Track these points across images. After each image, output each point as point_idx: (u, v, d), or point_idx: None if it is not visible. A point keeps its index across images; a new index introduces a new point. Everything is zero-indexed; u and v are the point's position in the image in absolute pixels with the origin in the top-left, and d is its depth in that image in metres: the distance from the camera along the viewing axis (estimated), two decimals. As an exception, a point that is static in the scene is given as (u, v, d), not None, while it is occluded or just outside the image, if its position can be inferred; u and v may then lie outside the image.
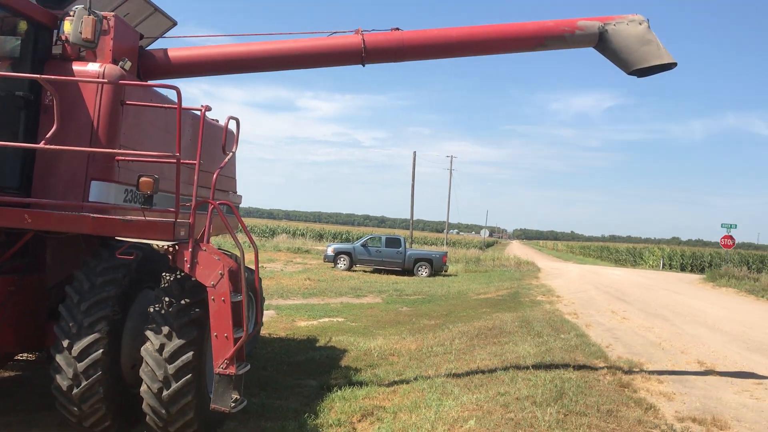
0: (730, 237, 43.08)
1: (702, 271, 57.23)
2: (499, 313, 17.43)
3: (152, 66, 7.74)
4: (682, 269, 62.40)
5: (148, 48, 8.24)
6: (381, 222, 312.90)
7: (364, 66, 8.45)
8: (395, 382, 9.04)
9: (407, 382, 9.00)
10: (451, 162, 72.62)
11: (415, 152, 56.78)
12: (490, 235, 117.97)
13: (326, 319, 15.16)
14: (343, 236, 70.62)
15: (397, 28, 8.37)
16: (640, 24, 8.38)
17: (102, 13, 6.55)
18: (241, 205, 10.75)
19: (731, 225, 43.27)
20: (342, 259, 34.10)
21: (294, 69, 8.68)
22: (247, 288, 6.55)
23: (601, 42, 8.47)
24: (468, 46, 8.57)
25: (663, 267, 63.21)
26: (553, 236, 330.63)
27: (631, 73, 8.59)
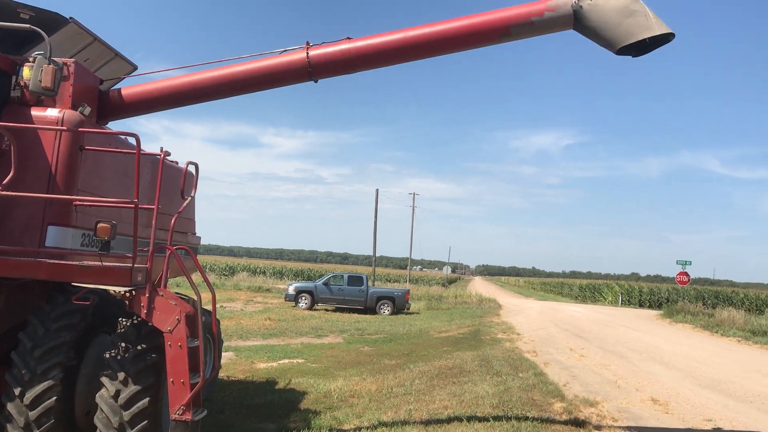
0: (686, 273, 44.06)
1: (659, 306, 58.31)
2: (459, 351, 17.53)
3: (109, 107, 7.76)
4: (640, 305, 63.47)
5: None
6: (344, 259, 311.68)
7: (316, 82, 8.13)
8: (354, 427, 9.03)
9: (366, 427, 9.00)
10: (414, 199, 73.14)
11: (377, 189, 57.05)
12: (453, 271, 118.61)
13: (286, 361, 15.05)
14: (305, 274, 70.23)
15: (348, 38, 7.93)
16: None
17: (62, 59, 6.61)
18: (201, 243, 10.73)
19: (686, 261, 44.30)
20: (303, 298, 33.88)
21: (247, 92, 8.39)
22: (205, 331, 6.56)
23: (578, 21, 7.39)
24: (424, 47, 7.89)
25: (621, 303, 64.18)
26: (515, 272, 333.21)
27: (620, 52, 7.41)
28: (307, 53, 7.84)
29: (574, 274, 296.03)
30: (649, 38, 7.16)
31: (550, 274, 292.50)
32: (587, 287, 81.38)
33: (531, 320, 31.32)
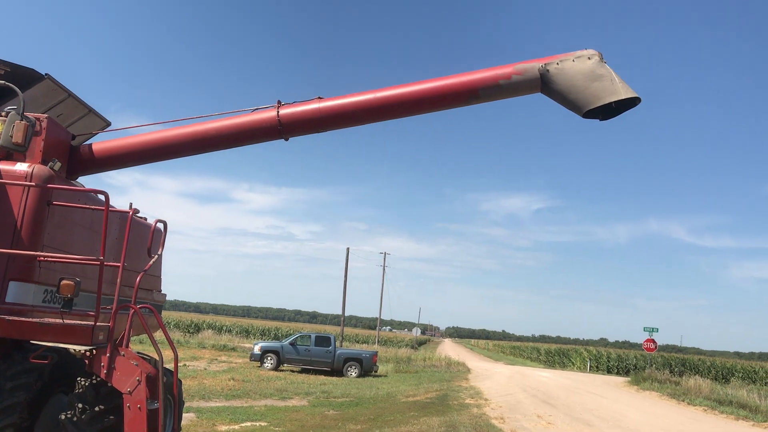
0: (652, 340, 44.42)
1: (627, 373, 58.39)
2: (426, 417, 17.29)
3: (80, 162, 7.72)
4: (608, 371, 63.47)
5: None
6: (313, 317, 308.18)
7: (286, 140, 8.14)
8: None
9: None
10: (385, 258, 73.16)
11: (348, 248, 57.07)
12: (423, 332, 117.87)
13: (248, 424, 14.68)
14: (272, 333, 69.21)
15: (320, 97, 7.94)
16: (590, 58, 7.24)
17: (35, 115, 6.63)
18: (167, 298, 10.58)
19: (653, 329, 44.73)
20: (269, 358, 33.29)
21: (218, 149, 8.37)
22: (166, 392, 6.43)
23: (545, 85, 7.42)
24: (394, 108, 7.89)
25: (590, 369, 64.16)
26: (485, 335, 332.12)
27: (587, 116, 7.37)
28: (278, 112, 7.85)
29: (543, 338, 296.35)
30: (615, 102, 7.15)
31: (520, 338, 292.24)
32: (556, 352, 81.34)
33: (499, 385, 31.11)
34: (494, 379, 35.22)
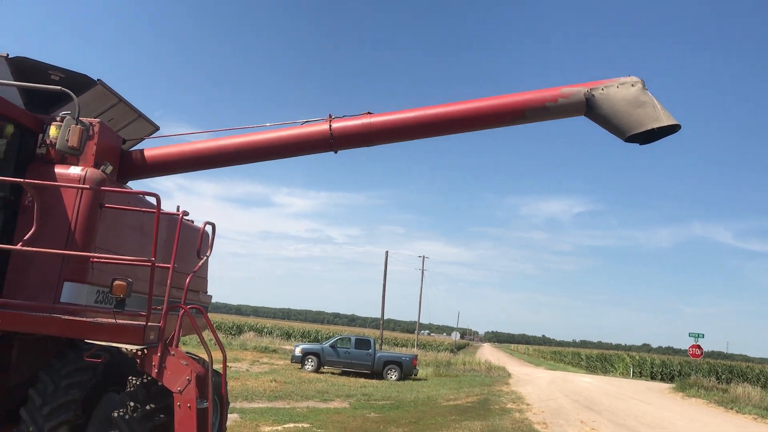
0: (698, 346, 43.41)
1: (671, 379, 57.16)
2: (468, 421, 17.19)
3: (131, 166, 7.90)
4: (652, 377, 62.23)
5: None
6: (351, 320, 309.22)
7: (336, 153, 8.30)
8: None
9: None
10: (423, 262, 73.00)
11: (387, 252, 57.12)
12: (462, 337, 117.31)
13: (291, 425, 14.80)
14: (312, 335, 69.59)
15: (369, 112, 8.11)
16: (633, 86, 7.53)
17: (88, 120, 6.80)
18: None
19: (698, 334, 43.71)
20: (310, 360, 33.49)
21: (269, 159, 8.53)
22: (214, 393, 6.52)
23: (590, 109, 7.69)
24: (441, 126, 8.13)
25: (632, 375, 62.99)
26: (525, 339, 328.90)
27: (629, 140, 7.64)
28: (330, 125, 8.04)
29: (584, 344, 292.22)
30: (656, 128, 7.39)
31: (560, 343, 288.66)
32: (598, 357, 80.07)
33: (541, 390, 30.76)
34: (535, 384, 34.84)
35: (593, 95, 7.60)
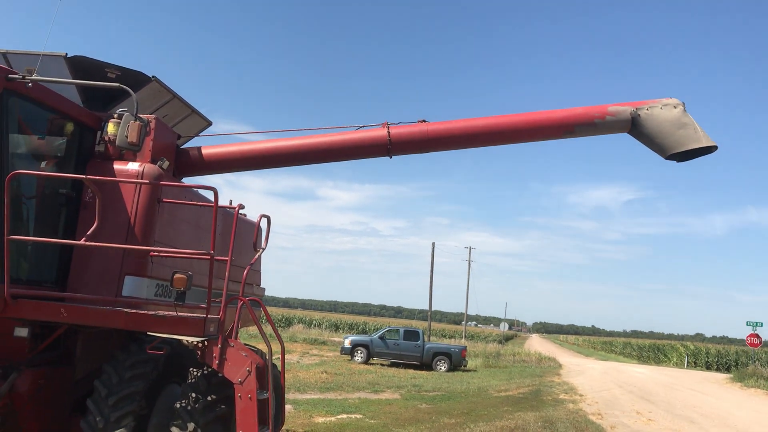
0: (756, 335, 42.17)
1: (728, 370, 55.71)
2: (521, 412, 17.03)
3: (187, 163, 8.01)
4: (707, 368, 60.74)
5: (185, 146, 8.58)
6: (398, 312, 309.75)
7: (390, 158, 8.51)
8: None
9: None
10: (470, 253, 72.57)
11: (434, 243, 56.95)
12: (510, 328, 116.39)
13: (344, 416, 14.88)
14: (360, 327, 69.96)
15: (424, 120, 8.40)
16: (675, 107, 7.96)
17: (145, 116, 6.90)
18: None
19: (757, 323, 42.45)
20: (359, 352, 33.66)
21: (322, 162, 8.68)
22: (273, 384, 6.57)
23: (635, 127, 8.12)
24: (494, 136, 8.42)
25: (687, 365, 61.59)
26: (574, 330, 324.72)
27: (669, 158, 8.10)
28: (388, 131, 8.23)
29: (635, 334, 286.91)
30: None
31: (611, 333, 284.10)
32: (650, 348, 78.53)
33: (593, 381, 30.31)
34: (587, 375, 34.34)
35: (639, 115, 8.05)
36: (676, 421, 17.23)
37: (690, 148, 7.85)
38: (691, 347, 70.00)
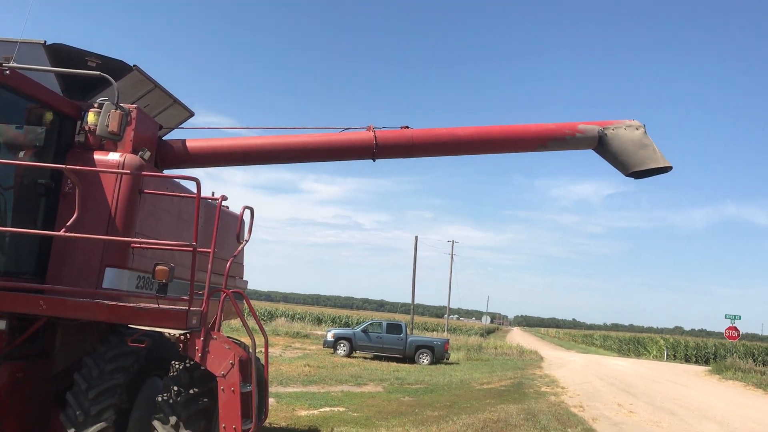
0: (735, 328, 42.71)
1: (707, 362, 56.43)
2: (504, 404, 17.11)
3: (170, 155, 7.89)
4: (686, 360, 61.49)
5: (167, 137, 8.46)
6: (380, 306, 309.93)
7: (374, 161, 8.53)
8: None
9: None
10: (452, 246, 72.70)
11: (417, 236, 56.88)
12: (491, 321, 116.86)
13: (327, 409, 14.86)
14: (343, 321, 69.98)
15: (407, 126, 8.49)
16: (637, 129, 8.59)
17: (126, 105, 6.78)
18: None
19: (735, 316, 43.00)
20: (342, 345, 33.66)
21: (306, 162, 8.73)
22: (256, 377, 6.51)
23: (601, 145, 8.67)
24: (474, 145, 8.75)
25: (666, 358, 62.29)
26: (555, 323, 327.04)
27: (628, 175, 8.75)
28: (375, 134, 8.29)
29: (615, 327, 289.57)
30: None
31: (591, 326, 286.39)
32: (630, 340, 79.33)
33: (575, 373, 30.54)
34: (569, 368, 34.60)
35: (605, 134, 8.60)
36: (656, 413, 17.40)
37: (649, 167, 8.47)
38: (671, 340, 70.87)
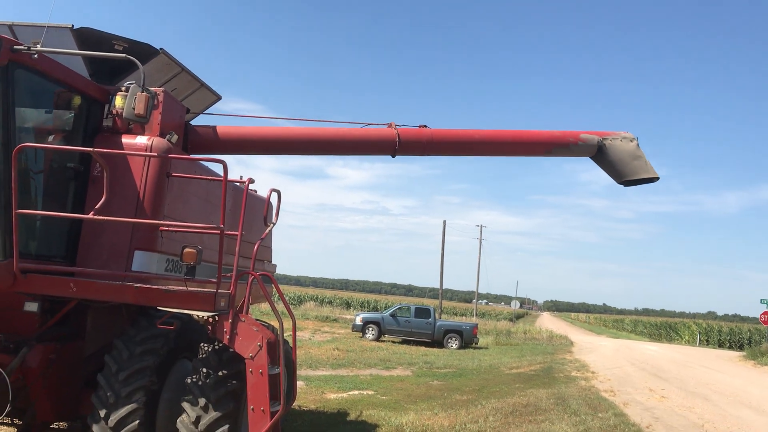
0: (770, 313, 41.86)
1: (741, 347, 55.57)
2: (533, 389, 17.01)
3: (200, 141, 7.92)
4: (720, 345, 60.63)
5: (197, 122, 8.46)
6: (408, 291, 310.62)
7: (393, 157, 8.82)
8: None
9: (442, 461, 8.73)
10: (481, 231, 72.25)
11: (444, 221, 56.78)
12: (521, 306, 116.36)
13: (356, 392, 14.91)
14: (371, 305, 70.16)
15: (425, 125, 8.79)
16: (632, 141, 9.18)
17: (153, 88, 6.77)
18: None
19: (771, 300, 42.10)
20: (370, 329, 33.78)
21: (331, 155, 8.97)
22: (284, 360, 6.51)
23: (599, 154, 9.18)
24: (487, 147, 9.16)
25: (699, 343, 61.45)
26: (585, 308, 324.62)
27: (620, 183, 9.30)
28: (398, 132, 8.54)
29: (646, 312, 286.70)
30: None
31: (622, 311, 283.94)
32: (662, 326, 78.43)
33: (605, 358, 30.26)
34: (599, 352, 34.30)
35: (604, 144, 9.11)
36: (689, 398, 17.15)
37: (641, 177, 9.05)
38: (704, 325, 69.89)
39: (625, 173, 9.11)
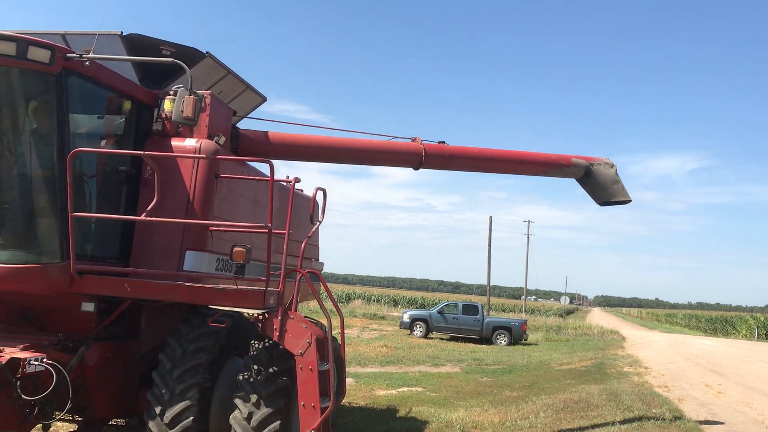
0: (832, 306, 40.37)
1: (802, 342, 53.67)
2: (584, 384, 16.77)
3: (250, 145, 8.07)
4: (779, 340, 58.68)
5: (244, 126, 8.62)
6: (455, 288, 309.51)
7: (416, 170, 9.48)
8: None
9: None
10: (528, 227, 71.59)
11: (491, 217, 56.35)
12: (570, 302, 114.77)
13: (405, 389, 14.93)
14: (418, 302, 70.15)
15: (443, 142, 9.44)
16: (612, 167, 10.36)
17: (200, 92, 6.90)
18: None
19: (832, 293, 40.64)
20: (418, 326, 33.75)
21: (364, 164, 9.44)
22: (333, 356, 6.57)
23: (586, 176, 10.26)
24: (499, 165, 10.06)
25: (758, 337, 59.62)
26: (637, 303, 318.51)
27: (599, 203, 10.50)
28: (424, 147, 9.18)
29: (701, 306, 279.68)
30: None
31: (675, 306, 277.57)
32: (717, 320, 76.35)
33: (659, 353, 29.63)
34: (652, 348, 33.60)
35: (591, 168, 10.22)
36: (748, 394, 16.67)
37: (620, 200, 10.28)
38: (762, 319, 67.66)
39: (605, 195, 10.29)
